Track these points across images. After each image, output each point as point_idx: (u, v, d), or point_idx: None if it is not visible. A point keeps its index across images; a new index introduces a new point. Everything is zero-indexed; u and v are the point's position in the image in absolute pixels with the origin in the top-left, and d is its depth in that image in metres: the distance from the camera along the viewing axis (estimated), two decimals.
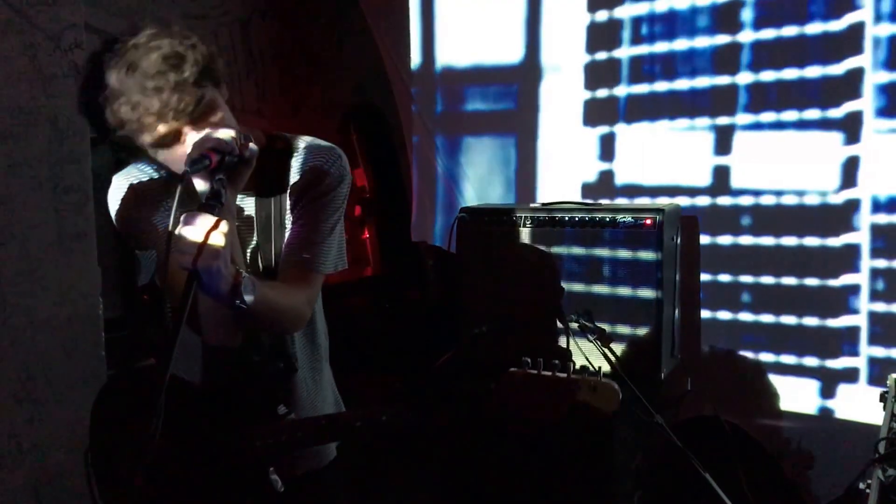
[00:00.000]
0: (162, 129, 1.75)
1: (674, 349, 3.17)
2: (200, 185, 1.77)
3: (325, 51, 4.28)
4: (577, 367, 1.73)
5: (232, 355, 1.94)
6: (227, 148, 1.72)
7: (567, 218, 3.17)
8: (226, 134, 1.74)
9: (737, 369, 3.33)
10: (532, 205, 3.39)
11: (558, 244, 3.18)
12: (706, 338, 3.39)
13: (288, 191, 1.96)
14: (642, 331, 3.07)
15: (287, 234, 1.96)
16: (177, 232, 1.62)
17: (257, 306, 1.74)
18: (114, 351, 2.88)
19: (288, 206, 1.96)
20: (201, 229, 1.61)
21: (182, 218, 1.64)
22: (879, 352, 3.05)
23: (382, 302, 4.32)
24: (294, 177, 1.96)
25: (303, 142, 2.00)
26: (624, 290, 3.10)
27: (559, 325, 3.14)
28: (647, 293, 3.06)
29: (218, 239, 1.62)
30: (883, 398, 2.12)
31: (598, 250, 3.12)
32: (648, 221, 3.05)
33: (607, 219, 3.10)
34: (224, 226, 1.64)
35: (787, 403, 3.26)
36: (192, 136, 1.77)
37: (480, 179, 3.89)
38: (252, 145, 1.79)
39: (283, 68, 4.28)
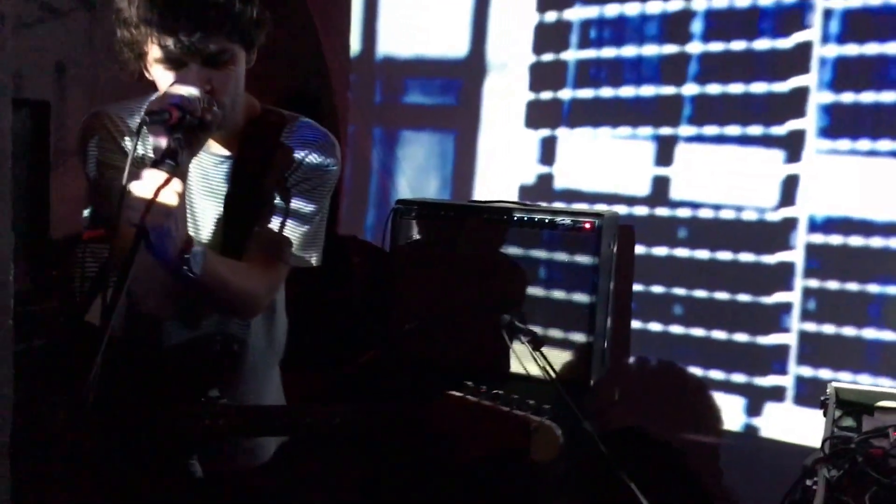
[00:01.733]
0: (171, 50, 1.69)
1: (604, 357, 3.18)
2: (157, 141, 1.69)
3: None
4: (523, 402, 1.62)
5: (164, 327, 1.88)
6: (191, 107, 1.66)
7: (506, 217, 3.16)
8: (190, 92, 1.68)
9: (665, 382, 3.36)
10: (470, 201, 3.36)
11: (496, 243, 3.16)
12: (636, 349, 3.41)
13: (272, 169, 1.89)
14: (574, 336, 3.08)
15: (262, 214, 1.89)
16: (128, 187, 1.56)
17: (206, 280, 1.68)
18: (23, 325, 2.72)
19: (267, 185, 1.89)
20: (152, 186, 1.56)
21: (132, 173, 1.57)
22: (807, 371, 3.13)
23: (302, 299, 4.21)
24: (280, 156, 1.89)
25: (298, 122, 1.94)
26: (558, 294, 3.10)
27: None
28: (581, 298, 3.07)
29: (170, 198, 1.57)
30: (824, 405, 2.16)
31: (534, 252, 3.12)
32: (588, 225, 3.06)
33: (546, 220, 3.10)
34: (178, 185, 1.59)
35: (713, 419, 3.30)
36: (198, 73, 1.72)
37: (417, 174, 3.85)
38: (216, 110, 1.72)
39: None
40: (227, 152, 1.90)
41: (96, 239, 2.90)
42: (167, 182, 1.57)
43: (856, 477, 1.81)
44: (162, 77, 1.75)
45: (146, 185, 1.56)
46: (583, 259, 3.07)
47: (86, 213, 1.91)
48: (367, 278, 4.04)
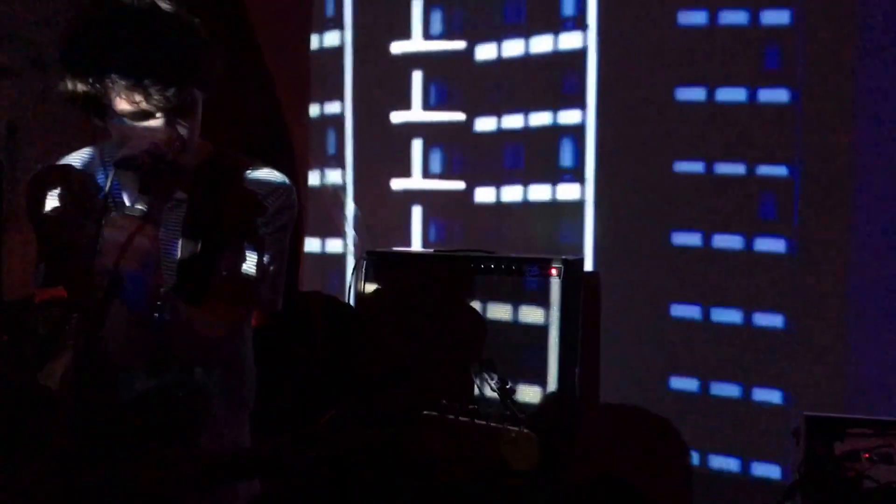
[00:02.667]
0: (140, 101, 1.71)
1: (575, 403, 3.23)
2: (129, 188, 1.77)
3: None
4: (497, 414, 1.69)
5: (122, 376, 1.88)
6: (160, 153, 1.71)
7: (473, 265, 3.23)
8: (163, 138, 1.74)
9: (636, 423, 3.41)
10: (438, 251, 3.43)
11: (463, 291, 3.22)
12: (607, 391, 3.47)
13: (229, 212, 1.90)
14: (543, 383, 3.12)
15: (220, 258, 1.90)
16: (103, 234, 1.59)
17: (177, 325, 1.71)
18: None
19: (224, 228, 1.91)
20: (126, 231, 1.59)
21: (106, 220, 1.62)
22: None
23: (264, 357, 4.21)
24: (238, 199, 1.91)
25: (255, 166, 1.97)
26: (526, 341, 3.15)
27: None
28: (549, 344, 3.12)
29: (143, 244, 1.60)
30: (796, 434, 2.24)
31: (502, 299, 3.18)
32: (553, 271, 3.14)
33: (513, 267, 3.17)
34: (152, 230, 1.63)
35: (685, 460, 3.35)
36: (162, 123, 1.75)
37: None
38: (188, 157, 1.80)
39: None
40: (181, 195, 1.91)
41: (50, 300, 2.90)
42: (140, 228, 1.60)
43: (830, 500, 1.87)
44: (125, 129, 1.76)
45: (119, 231, 1.59)
46: (549, 305, 3.14)
47: (38, 271, 1.90)
48: (331, 334, 4.06)
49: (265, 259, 1.92)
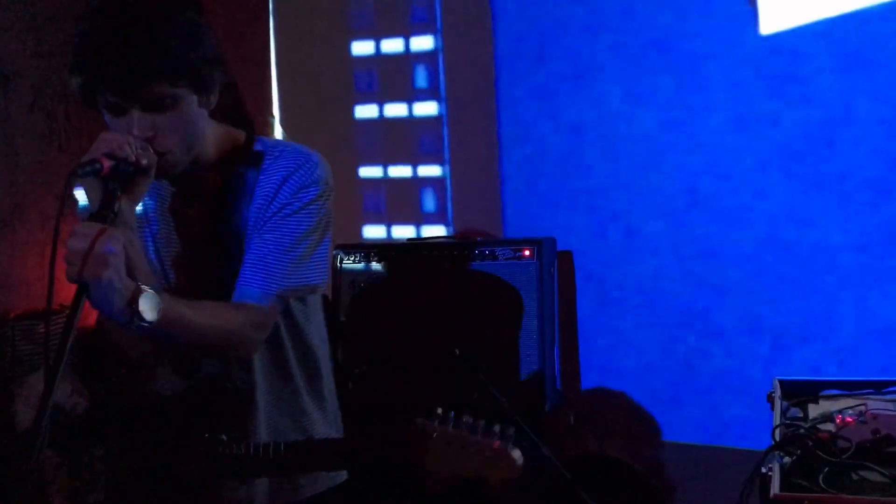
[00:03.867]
0: (110, 96, 1.71)
1: (556, 383, 3.30)
2: (85, 194, 1.74)
3: None
4: (489, 427, 1.63)
5: (158, 376, 1.89)
6: (122, 153, 1.66)
7: (446, 252, 3.27)
8: (119, 139, 1.69)
9: (618, 403, 3.49)
10: (408, 239, 3.47)
11: (439, 279, 3.27)
12: (586, 372, 3.55)
13: (250, 200, 1.88)
14: (525, 364, 3.18)
15: (240, 249, 1.88)
16: (67, 244, 1.58)
17: (168, 326, 1.66)
18: None
19: (244, 219, 1.88)
20: (87, 238, 1.56)
21: (72, 228, 1.60)
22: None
23: None
24: (259, 185, 1.88)
25: (279, 146, 1.93)
26: (505, 323, 3.21)
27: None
28: (528, 326, 3.18)
29: (108, 248, 1.56)
30: (770, 398, 2.31)
31: (477, 284, 3.23)
32: (527, 252, 3.19)
33: (486, 251, 3.22)
34: (118, 235, 1.60)
35: (669, 434, 3.44)
36: (140, 119, 1.72)
37: None
38: (151, 154, 1.73)
39: None
40: (198, 191, 1.90)
41: (25, 314, 2.92)
42: (101, 232, 1.57)
43: (807, 460, 1.95)
44: (110, 124, 1.76)
45: (80, 239, 1.56)
46: (525, 287, 3.19)
47: None
48: None
49: (288, 242, 1.86)
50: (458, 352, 3.17)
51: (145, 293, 1.63)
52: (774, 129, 3.17)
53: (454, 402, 2.63)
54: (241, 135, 1.94)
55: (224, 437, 1.79)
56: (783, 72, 3.15)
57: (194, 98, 1.78)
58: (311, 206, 1.88)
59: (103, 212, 1.64)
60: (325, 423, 2.08)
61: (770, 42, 3.16)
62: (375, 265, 3.35)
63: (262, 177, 1.88)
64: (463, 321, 3.22)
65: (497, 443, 1.61)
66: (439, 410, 1.67)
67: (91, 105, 1.77)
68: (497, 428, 1.63)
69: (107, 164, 1.64)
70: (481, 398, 2.98)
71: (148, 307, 1.63)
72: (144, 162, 1.70)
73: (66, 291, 1.63)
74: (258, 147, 1.92)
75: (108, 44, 1.68)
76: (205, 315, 1.76)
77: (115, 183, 1.67)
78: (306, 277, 1.90)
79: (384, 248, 3.41)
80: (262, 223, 1.87)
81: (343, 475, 2.07)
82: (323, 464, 1.84)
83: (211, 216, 1.90)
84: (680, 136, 3.33)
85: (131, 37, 1.68)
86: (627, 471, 3.41)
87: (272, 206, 1.87)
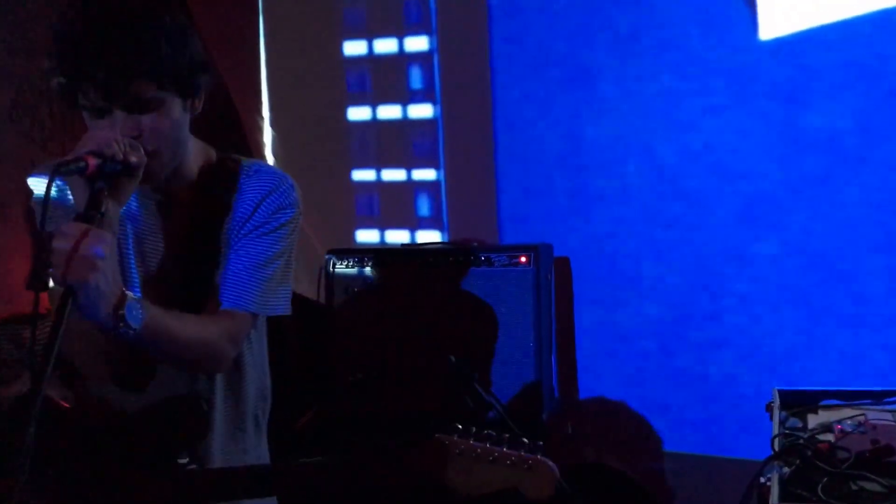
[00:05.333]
0: (93, 96, 1.72)
1: (553, 391, 3.35)
2: (77, 194, 1.72)
3: None
4: (516, 439, 1.64)
5: (114, 394, 1.89)
6: (109, 152, 1.66)
7: (441, 258, 3.31)
8: (107, 137, 1.69)
9: (616, 412, 3.54)
10: (402, 245, 3.51)
11: (434, 285, 3.31)
12: (584, 381, 3.60)
13: (228, 216, 1.92)
14: (521, 372, 3.22)
15: (218, 263, 1.91)
16: (53, 245, 1.57)
17: (150, 334, 1.69)
18: None
19: (222, 233, 1.92)
20: (72, 239, 1.56)
21: (57, 230, 1.59)
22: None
23: None
24: (236, 202, 1.92)
25: (255, 167, 1.98)
26: (501, 330, 3.25)
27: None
28: (524, 333, 3.23)
29: (95, 250, 1.56)
30: (769, 408, 2.36)
31: (474, 290, 3.27)
32: (524, 259, 3.23)
33: (483, 257, 3.26)
34: (105, 237, 1.59)
35: (667, 444, 3.49)
36: (123, 121, 1.74)
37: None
38: (141, 154, 1.73)
39: None
40: (178, 201, 1.92)
41: (11, 318, 2.94)
42: (86, 233, 1.56)
43: (807, 470, 1.99)
44: (91, 127, 1.77)
45: (65, 240, 1.55)
46: (521, 293, 3.23)
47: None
48: (303, 334, 4.12)
49: (264, 261, 1.92)
50: (453, 359, 3.22)
51: (131, 300, 1.65)
52: (775, 135, 3.23)
53: (448, 410, 2.68)
54: (212, 151, 1.99)
55: (185, 459, 1.81)
56: (783, 77, 3.21)
57: (178, 101, 1.80)
58: (285, 228, 1.94)
59: (90, 212, 1.63)
60: (262, 449, 2.12)
61: (770, 47, 3.22)
62: (369, 271, 3.38)
63: (238, 195, 1.93)
64: (458, 328, 3.26)
65: (530, 456, 1.61)
66: (459, 426, 1.67)
67: (72, 105, 1.78)
68: (526, 440, 1.64)
69: (92, 162, 1.63)
70: (476, 406, 3.02)
71: (134, 314, 1.65)
72: (134, 160, 1.70)
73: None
74: (231, 165, 1.97)
75: (93, 42, 1.70)
76: (187, 326, 1.80)
77: (102, 182, 1.66)
78: (276, 298, 1.95)
79: (378, 254, 3.44)
80: (237, 240, 1.91)
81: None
82: (319, 486, 1.80)
83: (188, 232, 1.92)
84: (679, 142, 3.39)
85: (116, 36, 1.70)
86: (625, 481, 3.45)
87: (248, 225, 1.91)
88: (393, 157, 3.97)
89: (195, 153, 1.94)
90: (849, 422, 2.12)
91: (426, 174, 3.91)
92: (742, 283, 3.30)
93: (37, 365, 1.51)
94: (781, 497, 1.89)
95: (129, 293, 1.67)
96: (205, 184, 1.93)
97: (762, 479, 1.98)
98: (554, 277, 3.40)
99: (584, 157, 3.55)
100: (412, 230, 3.92)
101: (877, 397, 2.38)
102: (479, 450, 1.63)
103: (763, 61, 3.23)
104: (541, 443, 1.64)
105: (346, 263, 3.41)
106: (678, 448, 3.47)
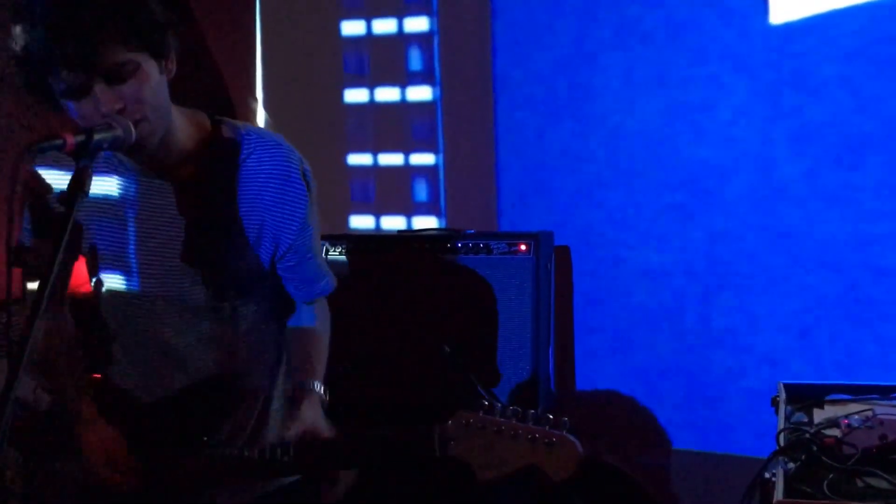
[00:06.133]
0: (67, 76, 1.69)
1: (550, 384, 3.32)
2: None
3: None
4: (541, 416, 1.64)
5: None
6: (101, 125, 1.65)
7: (437, 245, 3.28)
8: (106, 110, 1.69)
9: (614, 406, 3.52)
10: (398, 231, 3.49)
11: (428, 273, 3.28)
12: (581, 374, 3.57)
13: (235, 195, 1.91)
14: (517, 364, 3.20)
15: (245, 258, 1.95)
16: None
17: None
18: None
19: (241, 219, 1.92)
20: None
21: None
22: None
23: None
24: (247, 182, 1.92)
25: (251, 134, 1.96)
26: (498, 321, 3.23)
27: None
28: (522, 323, 3.20)
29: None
30: (775, 402, 2.34)
31: (470, 279, 3.24)
32: (523, 247, 3.21)
33: (480, 245, 3.23)
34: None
35: (667, 440, 3.47)
36: (104, 93, 1.70)
37: None
38: (126, 123, 1.71)
39: None
40: (180, 182, 1.90)
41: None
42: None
43: (812, 466, 1.98)
44: (75, 111, 1.74)
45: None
46: (520, 282, 3.21)
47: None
48: None
49: (315, 247, 2.08)
50: (447, 349, 3.19)
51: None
52: (783, 122, 3.21)
53: (441, 402, 2.67)
54: (204, 118, 1.96)
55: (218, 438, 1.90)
56: (793, 63, 3.18)
57: (153, 63, 1.77)
58: (315, 207, 2.05)
59: (74, 192, 1.60)
60: None
61: (780, 32, 3.20)
62: (363, 258, 3.36)
63: (246, 169, 1.92)
64: (453, 318, 3.24)
65: (555, 432, 1.61)
66: (485, 401, 1.68)
67: (47, 98, 1.76)
68: (551, 416, 1.63)
69: (71, 140, 1.60)
70: (470, 398, 3.00)
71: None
72: (119, 132, 1.69)
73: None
74: (229, 134, 1.94)
75: (54, 16, 1.66)
76: (324, 342, 2.14)
77: (86, 160, 1.63)
78: (331, 275, 2.21)
79: (373, 240, 3.42)
80: (286, 238, 1.97)
81: None
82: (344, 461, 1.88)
83: (189, 208, 1.91)
84: (684, 128, 3.36)
85: (78, 6, 1.66)
86: (623, 478, 3.44)
87: (278, 212, 1.95)
88: (390, 140, 3.94)
89: (184, 122, 1.91)
90: (856, 417, 2.11)
91: (424, 158, 3.88)
92: (746, 274, 3.28)
93: (14, 351, 1.52)
94: (786, 493, 1.88)
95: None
96: (201, 160, 1.90)
97: (766, 475, 1.97)
98: (554, 267, 3.37)
99: (587, 143, 3.53)
100: (409, 216, 3.90)
101: (884, 392, 2.37)
102: (501, 426, 1.63)
103: (774, 46, 3.20)
104: (566, 419, 1.63)
105: (339, 250, 3.38)
106: (679, 444, 3.45)
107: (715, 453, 3.32)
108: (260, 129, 2.04)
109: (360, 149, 3.99)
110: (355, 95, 3.98)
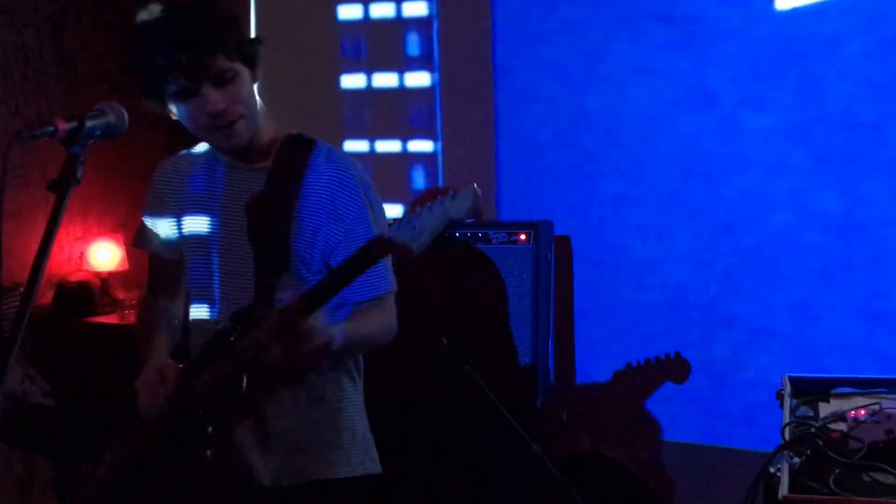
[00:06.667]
0: (183, 80, 1.97)
1: (549, 376, 3.31)
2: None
3: None
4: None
5: None
6: (93, 111, 1.68)
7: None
8: (211, 110, 1.96)
9: (614, 398, 3.50)
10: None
11: (424, 263, 3.25)
12: (581, 365, 3.56)
13: (300, 186, 2.09)
14: (516, 356, 3.18)
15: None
16: None
17: (350, 345, 2.12)
18: None
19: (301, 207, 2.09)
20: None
21: None
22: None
23: None
24: (319, 186, 2.10)
25: (326, 144, 2.19)
26: (495, 312, 3.21)
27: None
28: (520, 316, 3.19)
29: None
30: (780, 396, 2.33)
31: (469, 270, 3.23)
32: (523, 237, 3.19)
33: (479, 234, 3.22)
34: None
35: (667, 434, 3.45)
36: (211, 95, 1.98)
37: None
38: (119, 110, 1.74)
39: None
40: (256, 170, 2.12)
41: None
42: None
43: (818, 461, 1.96)
44: (183, 112, 2.03)
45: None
46: (519, 273, 3.19)
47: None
48: None
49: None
50: (445, 341, 3.18)
51: (331, 332, 1.98)
52: (788, 110, 3.19)
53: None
54: (279, 128, 2.20)
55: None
56: (799, 49, 3.16)
57: (246, 71, 2.05)
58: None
59: (65, 179, 1.62)
60: None
61: (786, 18, 3.18)
62: None
63: (318, 173, 2.11)
64: (451, 309, 3.23)
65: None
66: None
67: (158, 98, 2.04)
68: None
69: (63, 126, 1.64)
70: (468, 390, 2.99)
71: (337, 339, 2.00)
72: (112, 118, 1.72)
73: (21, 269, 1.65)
74: (305, 137, 2.18)
75: (173, 31, 1.97)
76: (371, 323, 2.22)
77: (79, 148, 1.65)
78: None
79: None
80: (349, 235, 2.11)
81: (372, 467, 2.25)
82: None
83: (266, 199, 2.10)
84: (689, 115, 3.35)
85: (194, 25, 1.99)
86: (622, 472, 3.43)
87: (350, 216, 2.11)
88: (388, 127, 3.92)
89: (267, 126, 2.15)
90: (862, 411, 2.10)
91: (422, 146, 3.86)
92: (750, 264, 3.27)
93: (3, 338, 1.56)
94: (791, 489, 1.87)
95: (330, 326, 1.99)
96: (281, 152, 2.13)
97: (771, 470, 1.96)
98: (554, 257, 3.35)
99: (588, 130, 3.51)
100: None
101: (892, 386, 2.37)
102: None
103: (779, 31, 3.18)
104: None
105: None
106: (680, 438, 3.44)
107: (718, 447, 3.32)
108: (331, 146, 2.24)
109: (357, 135, 3.97)
110: (352, 81, 3.96)
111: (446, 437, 3.12)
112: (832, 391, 2.35)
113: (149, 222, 2.23)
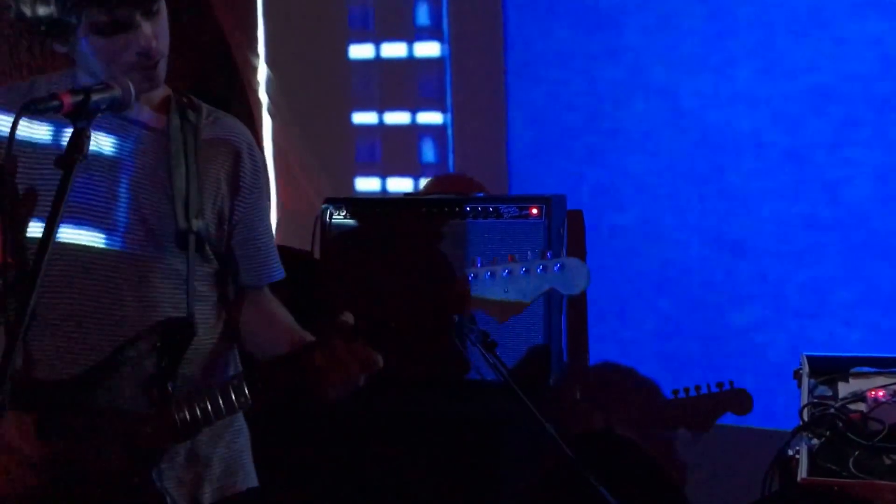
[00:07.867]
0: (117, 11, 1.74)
1: (562, 354, 3.31)
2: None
3: None
4: None
5: None
6: (99, 85, 1.68)
7: (446, 209, 3.26)
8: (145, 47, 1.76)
9: (628, 377, 3.51)
10: (404, 194, 3.46)
11: (437, 238, 3.26)
12: (595, 343, 3.56)
13: (208, 154, 1.94)
14: (529, 334, 3.19)
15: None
16: None
17: None
18: None
19: (208, 194, 1.94)
20: None
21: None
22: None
23: None
24: (211, 156, 1.95)
25: (216, 113, 2.01)
26: None
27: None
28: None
29: None
30: (797, 375, 2.32)
31: (480, 245, 3.22)
32: (535, 211, 3.18)
33: (490, 209, 3.21)
34: None
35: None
36: (146, 28, 1.77)
37: None
38: (126, 83, 1.74)
39: None
40: (158, 125, 1.93)
41: None
42: None
43: (837, 443, 1.96)
44: (102, 47, 1.78)
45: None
46: (532, 248, 3.18)
47: None
48: (293, 291, 4.09)
49: (269, 225, 2.08)
50: (456, 318, 3.18)
51: None
52: (803, 80, 3.18)
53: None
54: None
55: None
56: (814, 18, 3.13)
57: (163, 3, 1.85)
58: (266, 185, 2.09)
59: (72, 155, 1.62)
60: None
61: None
62: (368, 222, 3.34)
63: (209, 143, 1.95)
64: (462, 286, 3.21)
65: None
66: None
67: (67, 32, 1.78)
68: None
69: (68, 100, 1.63)
70: (480, 369, 3.00)
71: None
72: (118, 92, 1.71)
73: None
74: (189, 100, 2.00)
75: None
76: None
77: (85, 122, 1.65)
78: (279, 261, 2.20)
79: (378, 203, 3.40)
80: (239, 212, 1.98)
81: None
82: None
83: (169, 155, 1.93)
84: (701, 88, 3.33)
85: None
86: (635, 450, 3.44)
87: (242, 189, 1.97)
88: (396, 98, 3.90)
89: None
90: (882, 391, 2.10)
91: (432, 117, 3.84)
92: (768, 239, 3.26)
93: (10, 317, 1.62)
94: (810, 471, 1.88)
95: None
96: (176, 111, 1.95)
97: (790, 452, 1.96)
98: (566, 232, 3.34)
99: (601, 102, 3.50)
100: (416, 178, 3.86)
101: None
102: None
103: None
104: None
105: (343, 213, 3.35)
106: None
107: (733, 426, 3.30)
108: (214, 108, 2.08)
109: (366, 107, 3.95)
110: (360, 51, 3.94)
111: (456, 416, 3.13)
112: (851, 370, 2.34)
113: None
